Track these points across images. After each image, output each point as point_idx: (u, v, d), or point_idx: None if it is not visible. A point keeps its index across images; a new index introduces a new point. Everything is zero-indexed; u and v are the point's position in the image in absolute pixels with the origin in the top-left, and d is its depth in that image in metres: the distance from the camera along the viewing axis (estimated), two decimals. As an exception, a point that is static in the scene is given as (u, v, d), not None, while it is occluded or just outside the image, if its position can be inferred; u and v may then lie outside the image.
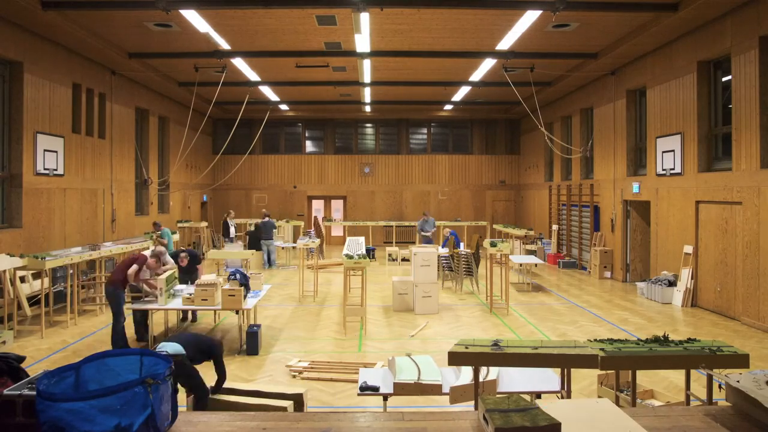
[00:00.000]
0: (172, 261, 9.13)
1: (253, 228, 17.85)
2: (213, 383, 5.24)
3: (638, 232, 13.94)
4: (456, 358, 3.80)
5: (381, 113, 23.20)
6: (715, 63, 10.86)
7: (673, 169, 11.73)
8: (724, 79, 10.72)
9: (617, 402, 4.56)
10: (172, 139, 18.52)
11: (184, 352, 4.91)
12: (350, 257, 9.25)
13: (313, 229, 17.88)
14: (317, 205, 24.14)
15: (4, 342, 7.95)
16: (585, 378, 6.46)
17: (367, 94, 18.87)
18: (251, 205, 23.46)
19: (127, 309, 8.14)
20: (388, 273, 15.41)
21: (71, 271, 9.79)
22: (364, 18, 10.21)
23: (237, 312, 8.12)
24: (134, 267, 7.85)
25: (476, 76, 15.70)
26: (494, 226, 20.60)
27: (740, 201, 9.68)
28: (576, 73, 14.71)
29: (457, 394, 4.49)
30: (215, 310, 8.60)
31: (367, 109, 21.96)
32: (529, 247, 18.05)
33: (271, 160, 23.82)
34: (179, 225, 18.28)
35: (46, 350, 7.95)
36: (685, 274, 11.17)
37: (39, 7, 9.53)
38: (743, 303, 9.63)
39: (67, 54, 12.14)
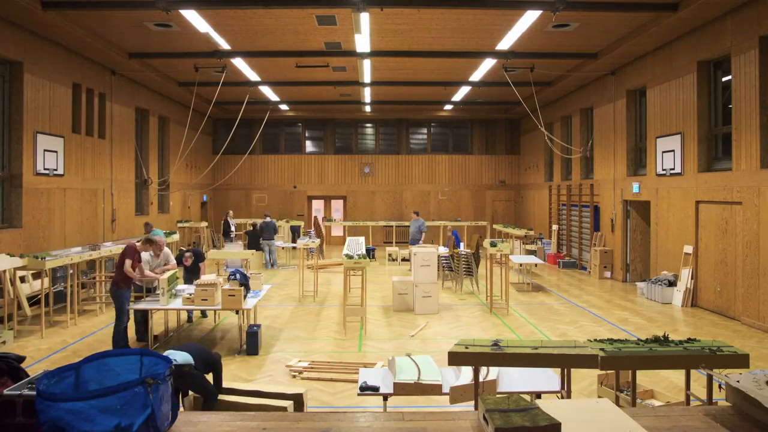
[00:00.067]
0: (174, 261, 9.11)
1: (252, 228, 17.85)
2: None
3: (638, 232, 13.95)
4: (456, 358, 3.80)
5: (381, 113, 23.21)
6: (715, 63, 10.86)
7: (673, 169, 11.73)
8: (724, 79, 10.72)
9: (617, 402, 4.56)
10: (172, 139, 18.52)
11: (193, 362, 4.91)
12: (350, 257, 9.25)
13: (313, 229, 17.89)
14: (317, 205, 24.14)
15: (4, 342, 7.96)
16: (585, 378, 6.46)
17: (367, 94, 18.87)
18: (251, 205, 23.46)
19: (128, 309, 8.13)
20: (388, 273, 15.41)
21: (71, 271, 9.79)
22: (364, 18, 10.21)
23: (237, 312, 8.12)
24: (127, 261, 7.79)
25: (476, 76, 15.70)
26: (494, 226, 20.60)
27: (740, 201, 9.68)
28: (576, 73, 14.71)
29: (457, 394, 4.49)
30: (215, 310, 8.60)
31: (367, 109, 21.96)
32: (529, 247, 18.05)
33: (271, 160, 23.82)
34: (179, 225, 18.29)
35: (46, 350, 7.95)
36: (685, 274, 11.17)
37: (39, 7, 9.53)
38: (743, 303, 9.63)
39: (67, 54, 12.14)
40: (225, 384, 5.32)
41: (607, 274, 14.64)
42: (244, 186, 23.69)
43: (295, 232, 18.90)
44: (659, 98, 12.35)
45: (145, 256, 8.37)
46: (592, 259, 15.14)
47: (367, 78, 15.85)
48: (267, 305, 10.93)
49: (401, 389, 4.58)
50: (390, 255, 17.68)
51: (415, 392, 4.64)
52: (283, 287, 13.19)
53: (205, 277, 8.34)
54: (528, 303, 11.50)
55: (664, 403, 5.37)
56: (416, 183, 23.80)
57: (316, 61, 14.15)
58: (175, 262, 9.08)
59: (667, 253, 12.11)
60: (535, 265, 14.67)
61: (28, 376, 2.40)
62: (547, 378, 4.79)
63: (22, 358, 2.53)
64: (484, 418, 2.09)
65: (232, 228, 19.04)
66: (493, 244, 10.66)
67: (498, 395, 2.53)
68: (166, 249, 8.97)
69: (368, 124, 24.24)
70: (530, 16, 10.48)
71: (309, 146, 24.23)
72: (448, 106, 21.68)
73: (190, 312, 9.42)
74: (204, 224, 19.59)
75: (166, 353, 5.02)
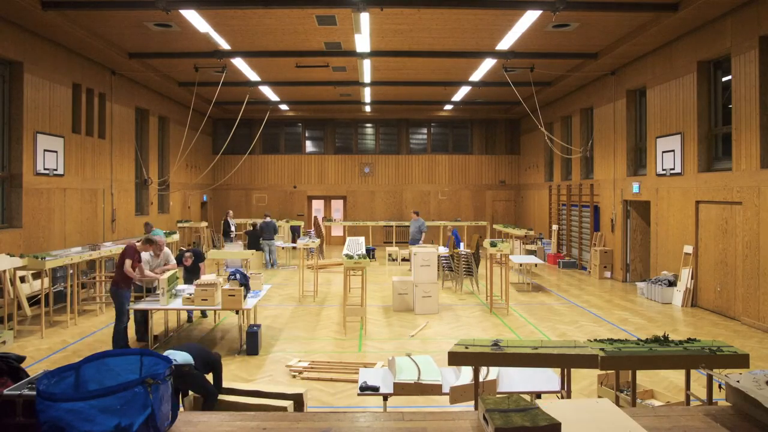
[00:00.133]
0: (174, 261, 9.11)
1: (251, 228, 17.86)
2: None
3: (638, 232, 13.95)
4: (456, 358, 3.80)
5: (381, 113, 23.21)
6: (715, 63, 10.86)
7: (673, 169, 11.73)
8: (724, 79, 10.72)
9: (617, 402, 4.56)
10: (172, 139, 18.52)
11: (193, 362, 4.91)
12: (350, 257, 9.25)
13: (313, 229, 17.89)
14: (317, 205, 24.14)
15: (4, 342, 7.96)
16: (585, 378, 6.46)
17: (367, 94, 18.87)
18: (251, 205, 23.46)
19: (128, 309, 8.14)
20: (388, 273, 15.41)
21: (71, 271, 9.79)
22: (364, 18, 10.21)
23: (237, 312, 8.12)
24: (127, 261, 7.78)
25: (476, 76, 15.70)
26: (494, 226, 20.60)
27: (740, 201, 9.68)
28: (576, 73, 14.71)
29: (457, 394, 4.49)
30: (215, 310, 8.60)
31: (367, 109, 21.96)
32: (529, 247, 18.05)
33: (271, 160, 23.82)
34: (179, 225, 18.29)
35: (46, 350, 7.95)
36: (685, 274, 11.17)
37: (39, 7, 9.53)
38: (743, 303, 9.63)
39: (67, 54, 12.14)
40: (225, 384, 5.32)
41: (607, 274, 14.64)
42: (244, 186, 23.69)
43: (295, 232, 18.91)
44: (659, 98, 12.35)
45: (145, 256, 8.37)
46: (592, 259, 15.14)
47: (367, 78, 15.85)
48: (267, 305, 10.93)
49: (401, 389, 4.58)
50: (390, 255, 17.68)
51: (415, 392, 4.64)
52: (283, 287, 13.19)
53: (205, 277, 8.34)
54: (528, 303, 11.50)
55: (664, 403, 5.37)
56: (416, 183, 23.80)
57: (316, 61, 14.15)
58: (174, 262, 9.08)
59: (667, 253, 12.11)
60: (535, 265, 14.67)
61: (28, 376, 2.40)
62: (547, 378, 4.79)
63: (22, 358, 2.53)
64: (484, 418, 2.09)
65: (232, 228, 19.04)
66: (493, 244, 10.66)
67: (498, 395, 2.53)
68: (166, 249, 8.97)
69: (368, 124, 24.24)
70: (530, 16, 10.48)
71: (309, 146, 24.23)
72: (448, 106, 21.68)
73: (190, 312, 9.42)
74: (204, 224, 19.59)
75: (165, 353, 5.01)
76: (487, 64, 14.23)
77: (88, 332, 9.00)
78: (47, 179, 11.38)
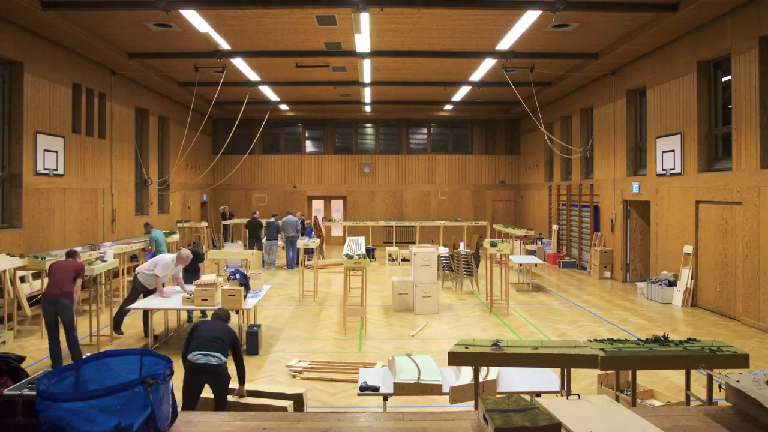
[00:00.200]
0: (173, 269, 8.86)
1: (251, 218, 18.02)
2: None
3: (638, 232, 13.94)
4: (456, 358, 3.80)
5: (381, 113, 23.21)
6: (715, 63, 10.86)
7: (673, 169, 11.73)
8: (724, 79, 10.72)
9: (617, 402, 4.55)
10: (172, 139, 18.52)
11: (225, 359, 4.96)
12: (350, 257, 9.25)
13: (312, 229, 17.90)
14: (317, 205, 24.14)
15: (4, 342, 7.95)
16: (585, 378, 6.46)
17: (367, 94, 18.87)
18: (251, 205, 23.45)
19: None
20: (388, 273, 15.41)
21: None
22: (364, 18, 10.21)
23: (237, 312, 8.12)
24: (79, 281, 7.36)
25: (476, 76, 15.70)
26: (494, 226, 20.59)
27: (740, 201, 9.68)
28: (576, 73, 14.71)
29: (457, 394, 4.49)
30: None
31: (367, 109, 21.96)
32: (529, 247, 18.05)
33: (271, 160, 23.82)
34: (179, 225, 18.28)
35: (45, 350, 7.92)
36: (685, 274, 11.17)
37: (39, 7, 9.53)
38: (743, 303, 9.63)
39: (67, 54, 12.14)
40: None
41: (607, 274, 14.64)
42: (244, 186, 23.69)
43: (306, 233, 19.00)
44: (659, 98, 12.35)
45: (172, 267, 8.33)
46: (592, 259, 15.14)
47: (367, 78, 15.85)
48: (267, 305, 10.93)
49: (401, 389, 4.58)
50: (390, 255, 17.68)
51: (415, 392, 4.64)
52: (283, 287, 13.19)
53: (205, 277, 8.34)
54: (528, 303, 11.50)
55: (664, 403, 5.37)
56: (416, 183, 23.80)
57: (316, 61, 14.15)
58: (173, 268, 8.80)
59: (667, 253, 12.11)
60: (535, 265, 14.67)
61: (28, 376, 2.40)
62: (547, 378, 4.79)
63: (22, 358, 2.54)
64: (484, 418, 2.09)
65: (228, 217, 20.28)
66: (493, 244, 10.66)
67: (498, 395, 2.53)
68: (166, 257, 8.71)
69: (368, 124, 24.24)
70: (530, 16, 10.48)
71: (309, 146, 24.23)
72: (448, 106, 21.68)
73: (190, 312, 9.42)
74: (204, 224, 19.59)
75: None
76: (487, 64, 14.23)
77: (87, 332, 8.99)
78: (47, 179, 11.38)
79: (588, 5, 9.99)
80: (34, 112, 11.00)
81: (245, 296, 7.80)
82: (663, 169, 12.14)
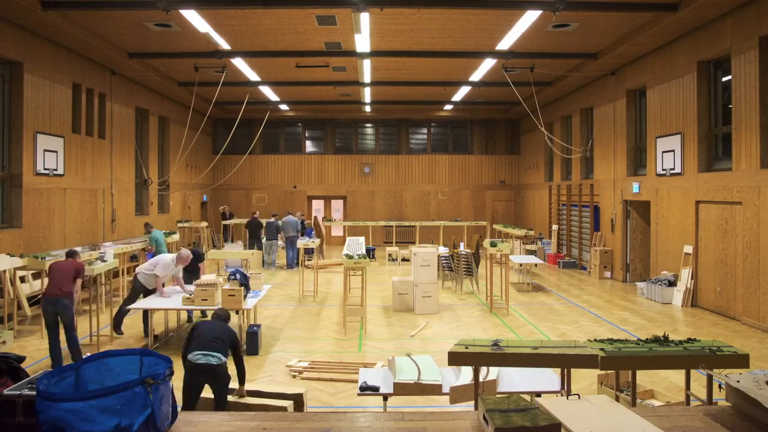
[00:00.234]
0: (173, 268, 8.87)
1: (251, 217, 18.04)
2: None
3: (638, 232, 13.94)
4: (456, 358, 3.80)
5: (381, 113, 23.21)
6: (715, 63, 10.86)
7: (673, 169, 11.73)
8: (724, 79, 10.72)
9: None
10: (172, 139, 18.52)
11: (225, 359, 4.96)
12: (350, 257, 9.25)
13: (312, 229, 17.90)
14: (317, 205, 24.15)
15: (4, 342, 7.95)
16: (585, 378, 6.46)
17: (367, 94, 18.87)
18: (251, 205, 23.45)
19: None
20: (388, 273, 15.41)
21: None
22: (364, 18, 10.21)
23: (237, 312, 8.12)
24: (79, 281, 7.36)
25: (476, 76, 15.70)
26: (494, 226, 20.59)
27: (740, 201, 9.68)
28: (576, 73, 14.71)
29: (457, 394, 4.49)
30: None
31: (367, 109, 21.96)
32: (529, 247, 18.05)
33: (271, 160, 23.82)
34: (179, 225, 18.28)
35: (45, 350, 7.92)
36: (685, 274, 11.17)
37: (39, 7, 9.53)
38: (743, 303, 9.63)
39: (67, 54, 12.14)
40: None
41: (607, 274, 14.64)
42: (244, 186, 23.69)
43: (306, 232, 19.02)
44: (659, 98, 12.35)
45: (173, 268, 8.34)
46: (592, 259, 15.14)
47: (367, 78, 15.85)
48: (267, 305, 10.93)
49: (401, 389, 4.58)
50: (390, 255, 17.68)
51: (415, 392, 4.64)
52: (283, 287, 13.19)
53: (205, 277, 8.34)
54: (528, 303, 11.50)
55: (664, 403, 5.37)
56: (416, 183, 23.81)
57: (316, 61, 14.15)
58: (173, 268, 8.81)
59: (667, 253, 12.11)
60: (535, 265, 14.67)
61: (28, 376, 2.40)
62: (547, 378, 4.79)
63: (22, 358, 2.54)
64: (484, 418, 2.09)
65: (228, 217, 20.31)
66: (493, 244, 10.66)
67: (498, 395, 2.53)
68: (166, 257, 8.72)
69: (368, 124, 24.24)
70: (530, 16, 10.48)
71: (309, 146, 24.23)
72: (448, 106, 21.68)
73: (189, 312, 9.42)
74: (204, 224, 19.59)
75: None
76: (487, 64, 14.23)
77: (87, 332, 8.99)
78: (47, 179, 11.38)
79: (588, 5, 9.99)
80: (34, 112, 11.00)
81: (245, 296, 7.80)
82: (663, 169, 12.14)
